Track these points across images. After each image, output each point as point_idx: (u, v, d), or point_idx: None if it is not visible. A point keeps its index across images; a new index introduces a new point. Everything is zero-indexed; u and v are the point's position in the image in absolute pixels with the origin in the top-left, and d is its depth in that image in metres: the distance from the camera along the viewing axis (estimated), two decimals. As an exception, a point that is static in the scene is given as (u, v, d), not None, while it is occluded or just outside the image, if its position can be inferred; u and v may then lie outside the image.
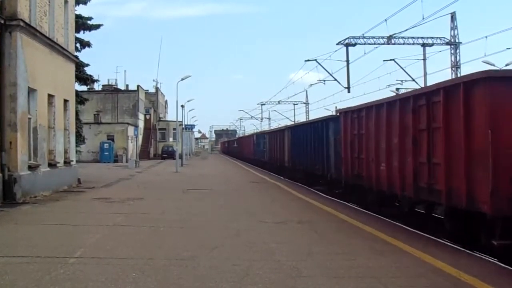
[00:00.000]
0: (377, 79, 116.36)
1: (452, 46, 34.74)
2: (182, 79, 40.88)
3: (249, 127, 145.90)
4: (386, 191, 13.46)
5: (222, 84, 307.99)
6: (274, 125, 77.53)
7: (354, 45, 33.57)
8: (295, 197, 18.67)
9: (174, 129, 60.73)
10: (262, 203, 16.79)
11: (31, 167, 16.92)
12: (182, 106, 49.46)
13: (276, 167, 34.74)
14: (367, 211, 14.68)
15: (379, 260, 8.23)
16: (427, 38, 34.73)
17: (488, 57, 37.89)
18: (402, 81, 42.57)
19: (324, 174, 21.11)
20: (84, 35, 32.86)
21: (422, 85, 34.40)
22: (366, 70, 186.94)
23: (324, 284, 6.84)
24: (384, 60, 35.91)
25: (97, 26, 33.87)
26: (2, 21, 15.43)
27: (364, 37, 33.31)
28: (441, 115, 10.35)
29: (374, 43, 33.64)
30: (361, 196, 15.72)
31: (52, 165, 19.23)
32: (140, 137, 60.73)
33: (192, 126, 61.74)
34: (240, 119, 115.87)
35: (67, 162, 21.45)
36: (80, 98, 30.01)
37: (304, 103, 70.92)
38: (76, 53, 25.93)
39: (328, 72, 36.04)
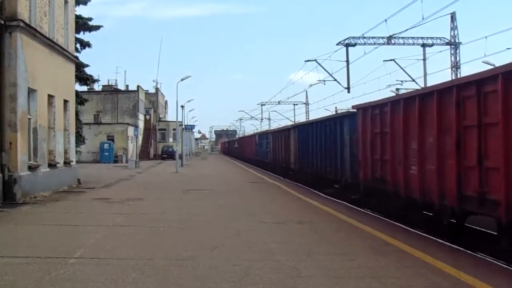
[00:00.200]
0: (377, 80, 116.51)
1: (452, 46, 34.75)
2: (182, 79, 40.92)
3: (249, 128, 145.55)
4: (418, 199, 11.51)
5: (222, 84, 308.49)
6: (274, 126, 77.58)
7: (354, 45, 33.59)
8: (295, 197, 18.67)
9: (174, 129, 60.76)
10: (262, 203, 16.78)
11: (31, 168, 16.92)
12: (182, 106, 49.51)
13: (280, 169, 32.68)
14: (367, 211, 14.68)
15: (379, 260, 8.23)
16: (427, 38, 34.75)
17: (488, 57, 37.84)
18: (402, 81, 42.63)
19: (337, 178, 19.09)
20: (84, 36, 32.92)
21: (422, 86, 34.46)
22: (366, 70, 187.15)
23: (324, 284, 6.84)
24: (384, 60, 36.00)
25: (97, 27, 33.90)
26: (2, 22, 15.43)
27: (364, 37, 33.35)
28: (499, 108, 8.43)
29: (374, 43, 33.67)
30: (384, 202, 13.88)
31: (52, 165, 19.23)
32: (140, 138, 60.74)
33: (192, 127, 61.75)
34: (240, 119, 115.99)
35: (67, 163, 21.45)
36: (80, 99, 30.03)
37: (304, 103, 70.99)
38: (76, 54, 25.95)
39: (328, 73, 36.11)
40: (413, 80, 35.74)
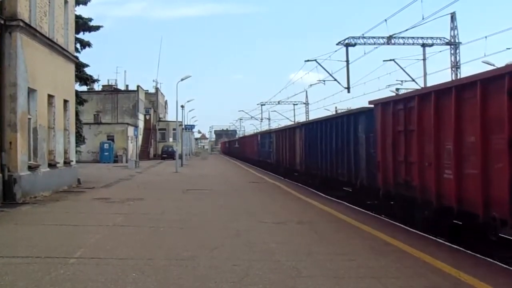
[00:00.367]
0: (377, 79, 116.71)
1: (452, 46, 34.76)
2: (182, 79, 40.93)
3: (249, 128, 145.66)
4: (455, 208, 9.88)
5: (222, 84, 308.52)
6: (274, 125, 77.52)
7: (354, 45, 33.59)
8: (295, 197, 18.67)
9: (174, 129, 60.77)
10: (262, 203, 16.79)
11: (31, 168, 16.92)
12: (182, 106, 49.54)
13: (284, 171, 30.92)
14: (366, 211, 14.68)
15: (379, 260, 8.23)
16: (427, 38, 34.75)
17: (488, 57, 37.91)
18: (402, 81, 42.66)
19: (350, 181, 17.42)
20: (84, 36, 32.90)
21: (422, 86, 34.47)
22: (366, 70, 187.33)
23: (324, 284, 6.84)
24: (384, 60, 36.00)
25: (97, 28, 33.87)
26: (2, 22, 15.43)
27: (364, 37, 33.35)
28: None
29: (374, 43, 33.67)
30: (409, 210, 12.24)
31: (52, 165, 19.23)
32: (140, 138, 60.74)
33: (192, 127, 61.76)
34: (240, 119, 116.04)
35: (67, 162, 21.45)
36: (80, 99, 30.02)
37: (304, 103, 71.02)
38: (76, 54, 25.94)
39: (328, 72, 36.10)
40: (413, 80, 35.78)
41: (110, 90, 63.56)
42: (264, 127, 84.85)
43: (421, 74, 35.37)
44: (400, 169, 12.60)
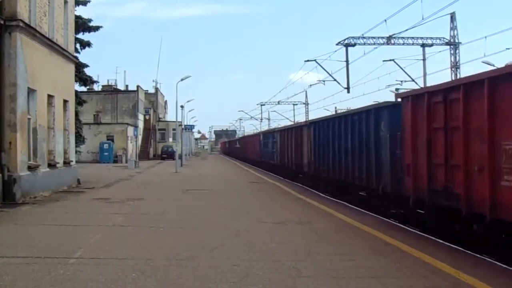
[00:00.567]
0: (377, 80, 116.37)
1: (452, 46, 34.75)
2: (182, 80, 40.91)
3: (249, 128, 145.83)
4: None
5: (222, 84, 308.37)
6: (274, 125, 77.45)
7: (354, 45, 33.58)
8: (295, 197, 18.67)
9: (173, 129, 60.80)
10: (262, 203, 16.78)
11: (30, 168, 16.91)
12: (182, 106, 49.59)
13: (290, 172, 28.82)
14: (367, 211, 14.64)
15: (379, 260, 8.23)
16: (427, 38, 34.75)
17: (488, 57, 37.91)
18: (401, 81, 42.60)
19: (370, 185, 15.34)
20: (84, 36, 32.92)
21: (422, 86, 34.49)
22: (365, 70, 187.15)
23: (324, 285, 6.84)
24: (383, 61, 35.99)
25: (96, 28, 33.89)
26: (2, 22, 15.43)
27: (364, 37, 33.34)
28: None
29: (374, 44, 33.66)
30: (448, 222, 10.50)
31: (51, 165, 19.23)
32: (140, 138, 60.73)
33: (192, 127, 61.75)
34: (240, 119, 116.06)
35: (66, 163, 21.45)
36: (79, 99, 30.03)
37: (304, 103, 71.01)
38: (76, 54, 25.94)
39: (328, 73, 36.10)
40: (413, 80, 35.77)
41: (110, 90, 63.56)
42: (264, 127, 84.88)
43: (421, 74, 35.40)
44: (437, 174, 10.64)
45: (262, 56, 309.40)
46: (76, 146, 25.55)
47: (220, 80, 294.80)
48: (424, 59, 34.89)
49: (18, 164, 15.75)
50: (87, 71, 33.51)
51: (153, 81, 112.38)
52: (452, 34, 34.91)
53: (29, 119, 17.12)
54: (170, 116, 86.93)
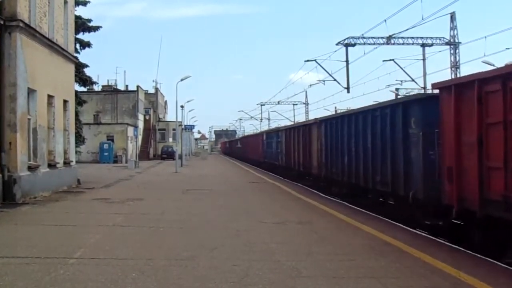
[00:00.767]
0: (377, 79, 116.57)
1: (452, 46, 34.80)
2: (182, 80, 40.90)
3: (249, 128, 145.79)
4: None
5: (222, 84, 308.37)
6: (274, 125, 77.43)
7: (354, 45, 33.62)
8: (295, 197, 18.67)
9: (173, 129, 60.80)
10: (262, 203, 16.78)
11: (30, 168, 16.92)
12: (182, 106, 49.60)
13: (296, 174, 27.12)
14: (366, 211, 14.64)
15: (379, 260, 8.23)
16: (427, 38, 34.82)
17: (488, 57, 37.92)
18: (401, 81, 42.75)
19: (396, 191, 13.38)
20: (83, 36, 32.96)
21: (422, 86, 34.54)
22: (365, 70, 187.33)
23: (323, 285, 6.84)
24: (383, 60, 36.11)
25: (96, 28, 33.96)
26: (2, 22, 15.43)
27: (364, 37, 33.39)
28: None
29: (374, 43, 33.71)
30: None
31: (51, 165, 19.23)
32: (140, 138, 60.73)
33: (192, 127, 61.75)
34: (240, 119, 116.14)
35: (66, 163, 21.45)
36: (79, 99, 30.05)
37: (304, 103, 71.10)
38: (76, 54, 25.95)
39: (328, 73, 36.16)
40: (413, 80, 35.86)
41: (110, 90, 63.58)
42: (264, 127, 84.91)
43: (421, 74, 35.45)
44: (492, 179, 8.81)
45: (262, 56, 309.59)
46: (76, 146, 25.55)
47: (220, 80, 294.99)
48: (424, 59, 34.96)
49: (18, 164, 15.75)
50: (87, 71, 33.62)
51: (153, 81, 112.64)
52: (452, 34, 34.95)
53: (29, 119, 17.12)
54: (170, 116, 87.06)
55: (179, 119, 49.83)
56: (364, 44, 33.51)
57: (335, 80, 35.74)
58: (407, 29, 31.88)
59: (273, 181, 27.47)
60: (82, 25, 31.82)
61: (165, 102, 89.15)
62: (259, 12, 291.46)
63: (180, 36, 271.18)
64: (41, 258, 8.15)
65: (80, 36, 32.02)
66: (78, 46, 30.23)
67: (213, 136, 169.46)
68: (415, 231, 11.34)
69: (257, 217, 13.18)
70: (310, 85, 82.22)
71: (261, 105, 78.17)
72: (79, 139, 29.74)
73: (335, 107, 60.00)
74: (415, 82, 35.63)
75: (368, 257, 8.50)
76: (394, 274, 7.43)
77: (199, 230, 11.20)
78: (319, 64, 34.99)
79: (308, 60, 35.85)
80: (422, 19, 32.93)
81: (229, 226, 11.53)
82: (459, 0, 29.24)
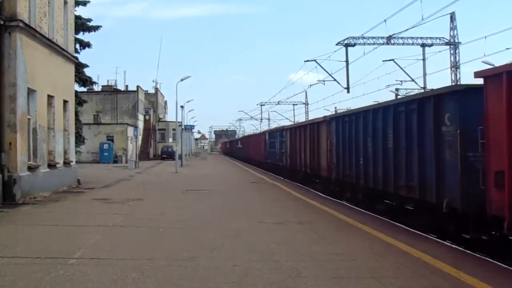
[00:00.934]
0: (377, 79, 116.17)
1: (452, 46, 34.80)
2: (182, 80, 40.89)
3: (249, 128, 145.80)
4: None
5: (222, 84, 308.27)
6: (274, 126, 77.43)
7: (354, 45, 33.63)
8: (295, 197, 18.67)
9: (173, 129, 60.80)
10: (262, 203, 16.79)
11: (30, 168, 16.91)
12: (182, 106, 49.65)
13: (302, 176, 25.35)
14: (366, 211, 14.65)
15: (378, 260, 8.23)
16: (427, 38, 34.82)
17: (488, 57, 37.89)
18: (401, 81, 42.70)
19: (425, 199, 11.52)
20: (83, 36, 32.96)
21: (422, 86, 34.53)
22: (365, 70, 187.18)
23: (323, 285, 6.84)
24: (383, 61, 36.06)
25: (96, 28, 33.94)
26: (2, 22, 15.42)
27: (364, 38, 33.39)
28: None
29: (374, 44, 33.71)
30: None
31: (51, 165, 19.22)
32: (140, 138, 60.73)
33: (192, 127, 61.76)
34: (240, 119, 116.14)
35: (66, 163, 21.45)
36: (79, 100, 30.06)
37: (304, 103, 71.08)
38: (76, 54, 25.95)
39: (328, 73, 36.14)
40: (413, 80, 35.83)
41: (110, 91, 63.55)
42: (264, 127, 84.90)
43: (421, 74, 35.43)
44: None
45: (262, 56, 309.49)
46: (76, 147, 25.54)
47: (220, 80, 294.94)
48: (424, 59, 34.95)
49: (18, 165, 15.75)
50: (87, 71, 33.61)
51: (153, 81, 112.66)
52: (452, 34, 34.95)
53: (29, 119, 17.12)
54: (170, 116, 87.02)
55: (179, 119, 49.91)
56: (364, 44, 33.53)
57: (335, 80, 35.76)
58: (407, 29, 31.87)
59: (273, 181, 27.46)
60: (82, 25, 31.81)
61: (165, 102, 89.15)
62: (259, 12, 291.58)
63: (180, 36, 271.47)
64: (41, 258, 8.15)
65: (80, 36, 32.02)
66: (78, 46, 30.22)
67: (213, 136, 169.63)
68: (415, 231, 11.33)
69: (257, 217, 13.18)
70: (310, 85, 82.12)
71: (261, 105, 78.23)
72: (79, 139, 29.73)
73: (335, 107, 59.94)
74: (415, 82, 35.63)
75: (368, 257, 8.50)
76: (394, 274, 7.43)
77: (199, 230, 11.20)
78: (319, 64, 35.01)
79: (308, 60, 35.87)
80: (422, 19, 32.82)
81: (229, 226, 11.53)
82: (459, 0, 29.24)
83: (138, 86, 64.07)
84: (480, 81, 9.19)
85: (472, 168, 9.73)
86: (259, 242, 9.69)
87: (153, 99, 74.57)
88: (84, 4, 32.06)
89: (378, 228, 11.47)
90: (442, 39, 34.89)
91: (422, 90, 31.85)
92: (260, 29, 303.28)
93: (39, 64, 17.89)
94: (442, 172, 10.81)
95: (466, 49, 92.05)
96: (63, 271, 7.37)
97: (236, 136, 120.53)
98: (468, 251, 9.32)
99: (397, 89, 44.61)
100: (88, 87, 38.34)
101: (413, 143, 12.23)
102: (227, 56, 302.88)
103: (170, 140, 70.99)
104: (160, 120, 78.06)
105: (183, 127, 52.41)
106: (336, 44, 33.71)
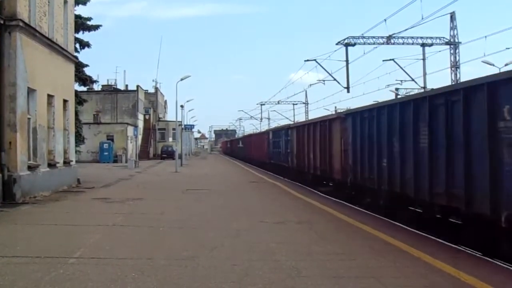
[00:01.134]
0: (377, 79, 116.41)
1: (452, 46, 34.81)
2: (182, 79, 40.89)
3: (249, 127, 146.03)
4: None
5: (222, 84, 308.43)
6: (274, 125, 77.39)
7: (354, 45, 33.65)
8: (295, 197, 18.66)
9: (173, 129, 60.77)
10: (262, 203, 16.78)
11: (30, 167, 16.91)
12: (182, 106, 49.63)
13: (311, 179, 23.51)
14: (366, 211, 14.64)
15: (378, 260, 8.23)
16: (427, 38, 34.85)
17: (488, 57, 37.88)
18: (401, 81, 42.74)
19: (473, 210, 9.62)
20: (83, 35, 32.97)
21: (422, 85, 34.52)
22: (365, 70, 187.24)
23: (323, 284, 6.83)
24: (383, 60, 36.05)
25: (96, 27, 33.95)
26: (2, 21, 15.42)
27: (364, 37, 33.42)
28: None
29: (374, 43, 33.74)
30: None
31: (51, 165, 19.22)
32: (140, 137, 60.72)
33: (192, 126, 61.71)
34: (240, 119, 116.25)
35: (66, 162, 21.45)
36: (79, 99, 30.05)
37: (304, 103, 71.09)
38: (76, 54, 25.94)
39: (328, 72, 36.14)
40: (413, 80, 35.83)
41: (110, 90, 63.55)
42: (264, 126, 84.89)
43: (421, 74, 35.44)
44: None
45: (262, 56, 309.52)
46: (76, 146, 25.53)
47: (220, 80, 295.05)
48: (424, 59, 34.95)
49: (18, 164, 15.75)
50: (87, 70, 33.62)
51: (153, 81, 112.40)
52: (452, 33, 34.96)
53: (29, 119, 17.12)
54: (170, 115, 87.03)
55: (179, 119, 49.90)
56: (364, 44, 33.55)
57: (335, 79, 35.76)
58: (407, 29, 31.96)
59: (273, 181, 27.46)
60: (82, 24, 31.81)
61: (165, 102, 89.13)
62: (259, 12, 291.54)
63: (180, 36, 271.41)
64: (41, 258, 8.15)
65: (80, 35, 32.04)
66: (77, 45, 30.21)
67: (213, 135, 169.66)
68: (415, 231, 11.33)
69: (257, 216, 13.18)
70: (310, 84, 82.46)
71: (261, 104, 78.25)
72: (79, 139, 29.72)
73: (335, 107, 59.94)
74: (415, 82, 35.63)
75: (368, 256, 8.50)
76: (394, 274, 7.42)
77: (199, 229, 11.20)
78: (319, 64, 35.00)
79: (308, 60, 35.87)
80: (422, 19, 32.87)
81: (229, 226, 11.53)
82: (459, 0, 29.22)
83: (138, 86, 64.08)
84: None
85: None
86: (259, 241, 9.68)
87: (153, 98, 74.56)
88: (84, 3, 32.03)
89: (378, 228, 11.46)
90: (442, 38, 34.90)
91: (422, 90, 31.85)
92: (260, 29, 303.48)
93: (39, 64, 17.89)
94: (499, 177, 8.80)
95: (466, 49, 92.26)
96: (63, 271, 7.37)
97: (236, 136, 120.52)
98: (468, 251, 9.32)
99: (397, 89, 44.65)
100: (88, 86, 38.34)
101: (456, 142, 10.19)
102: (227, 56, 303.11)
103: (170, 139, 70.99)
104: (160, 119, 78.05)
105: (183, 126, 52.41)
106: (336, 44, 33.76)
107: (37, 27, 17.57)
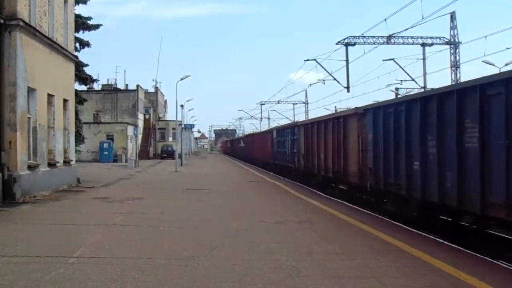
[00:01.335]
0: (377, 79, 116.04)
1: (452, 45, 34.81)
2: (182, 79, 40.85)
3: (249, 127, 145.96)
4: None
5: (222, 84, 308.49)
6: (274, 125, 77.34)
7: (354, 44, 33.64)
8: (295, 197, 18.66)
9: (173, 128, 60.76)
10: (262, 202, 16.78)
11: (30, 167, 16.91)
12: (182, 105, 49.56)
13: (322, 182, 21.71)
14: (366, 211, 14.64)
15: (378, 260, 8.23)
16: (427, 37, 34.86)
17: (488, 56, 37.91)
18: (401, 80, 42.73)
19: None
20: (83, 35, 32.95)
21: (422, 85, 34.52)
22: (365, 69, 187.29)
23: (323, 284, 6.84)
24: (383, 60, 36.04)
25: (96, 26, 33.92)
26: (2, 21, 15.41)
27: (364, 37, 33.41)
28: None
29: (374, 43, 33.73)
30: None
31: (51, 164, 19.22)
32: (140, 137, 60.71)
33: (192, 126, 61.60)
34: (240, 118, 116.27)
35: (66, 162, 21.44)
36: (79, 98, 30.04)
37: (304, 102, 71.15)
38: (76, 53, 25.93)
39: (328, 72, 36.10)
40: (413, 80, 35.82)
41: (110, 90, 63.55)
42: (264, 126, 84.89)
43: (421, 73, 35.44)
44: None
45: (262, 56, 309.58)
46: (76, 145, 25.53)
47: (220, 80, 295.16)
48: (424, 59, 34.96)
49: (18, 164, 15.75)
50: (87, 70, 33.60)
51: (153, 80, 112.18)
52: (452, 33, 34.96)
53: (29, 118, 17.11)
54: (170, 115, 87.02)
55: (179, 119, 49.84)
56: (364, 43, 33.54)
57: (335, 79, 35.73)
58: (407, 29, 31.93)
59: (273, 180, 27.46)
60: (82, 24, 31.78)
61: (165, 102, 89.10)
62: (259, 12, 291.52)
63: (180, 36, 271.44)
64: (41, 257, 8.14)
65: (80, 34, 32.00)
66: (78, 45, 30.20)
67: (213, 135, 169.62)
68: (415, 230, 11.33)
69: (257, 216, 13.18)
70: (310, 84, 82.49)
71: (261, 104, 78.32)
72: (79, 138, 29.71)
73: (335, 106, 59.96)
74: (415, 82, 35.62)
75: (368, 256, 8.50)
76: (394, 274, 7.43)
77: (199, 229, 11.20)
78: (319, 64, 34.96)
79: (308, 60, 35.81)
80: (422, 18, 32.91)
81: (229, 226, 11.53)
82: (459, 0, 29.24)
83: (138, 85, 64.06)
84: None
85: None
86: (259, 241, 9.68)
87: (153, 98, 74.56)
88: (84, 2, 32.00)
89: (378, 227, 11.47)
90: (442, 38, 34.91)
91: (423, 90, 31.86)
92: (260, 29, 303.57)
93: (39, 63, 17.88)
94: None
95: (466, 48, 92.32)
96: (63, 270, 7.37)
97: (236, 135, 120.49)
98: (467, 251, 9.32)
99: (397, 89, 44.63)
100: (88, 86, 38.32)
101: None
102: (227, 56, 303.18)
103: (170, 139, 70.99)
104: (160, 119, 78.04)
105: (183, 126, 52.38)
106: (336, 44, 33.75)
107: (37, 26, 17.56)
